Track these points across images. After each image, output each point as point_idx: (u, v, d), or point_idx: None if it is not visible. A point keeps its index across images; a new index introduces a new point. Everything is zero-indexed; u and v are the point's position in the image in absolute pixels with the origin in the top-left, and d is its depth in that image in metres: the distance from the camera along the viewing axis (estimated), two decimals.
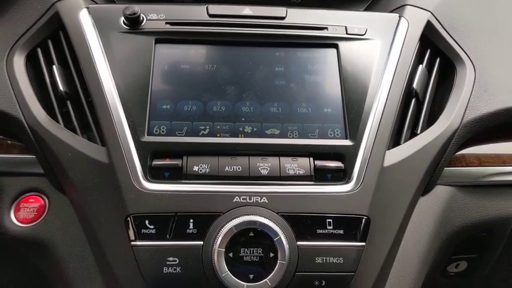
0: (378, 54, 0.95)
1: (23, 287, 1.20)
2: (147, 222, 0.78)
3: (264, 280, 0.75)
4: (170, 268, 0.76)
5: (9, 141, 0.92)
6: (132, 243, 0.78)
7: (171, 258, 0.77)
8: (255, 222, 0.77)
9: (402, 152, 0.87)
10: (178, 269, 0.76)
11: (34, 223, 0.87)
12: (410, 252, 0.89)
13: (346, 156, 0.85)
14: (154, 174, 0.82)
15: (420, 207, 0.91)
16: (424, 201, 0.92)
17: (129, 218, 0.78)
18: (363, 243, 0.80)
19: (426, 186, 0.92)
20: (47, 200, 0.89)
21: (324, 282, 0.78)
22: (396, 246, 0.87)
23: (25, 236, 0.87)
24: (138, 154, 0.82)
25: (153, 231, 0.78)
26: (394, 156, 0.86)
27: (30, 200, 0.88)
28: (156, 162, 0.82)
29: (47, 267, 0.91)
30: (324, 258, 0.78)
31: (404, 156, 0.87)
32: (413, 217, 0.90)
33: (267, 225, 0.77)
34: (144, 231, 0.78)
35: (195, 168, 0.82)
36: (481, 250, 1.05)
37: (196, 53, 0.94)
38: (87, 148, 0.84)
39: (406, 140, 0.90)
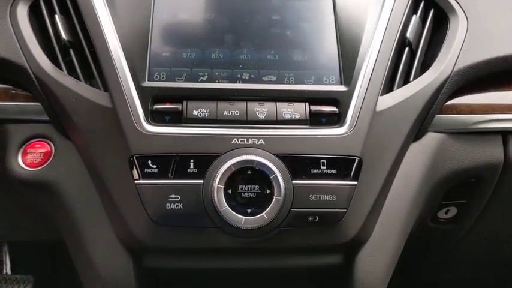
0: (373, 3, 0.97)
1: (30, 232, 1.25)
2: (149, 162, 0.82)
3: (261, 214, 0.80)
4: (173, 204, 0.81)
5: (13, 91, 0.95)
6: (136, 182, 0.82)
7: (173, 196, 0.81)
8: (252, 161, 0.81)
9: (394, 97, 0.91)
10: (180, 206, 0.81)
11: (41, 167, 0.91)
12: (400, 195, 0.94)
13: (341, 101, 0.88)
14: (155, 118, 0.85)
15: (411, 152, 0.95)
16: (415, 146, 0.96)
17: (132, 159, 0.82)
18: (355, 182, 0.84)
19: (418, 132, 0.95)
20: (52, 146, 0.92)
21: (317, 218, 0.83)
22: (387, 187, 0.91)
23: (32, 179, 0.90)
24: (139, 99, 0.85)
25: (156, 170, 0.82)
26: (386, 101, 0.89)
27: (37, 146, 0.92)
28: (157, 107, 0.85)
29: (54, 210, 0.95)
30: (318, 195, 0.83)
31: (396, 102, 0.90)
32: (405, 161, 0.94)
33: (264, 164, 0.80)
34: (147, 170, 0.81)
35: (195, 112, 0.85)
36: (471, 196, 1.09)
37: (195, 2, 0.96)
38: (91, 94, 0.87)
39: (399, 87, 0.93)
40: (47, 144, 0.92)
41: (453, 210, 1.13)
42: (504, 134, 1.02)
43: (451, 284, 1.98)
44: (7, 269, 1.80)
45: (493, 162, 1.02)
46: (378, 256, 0.92)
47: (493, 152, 1.02)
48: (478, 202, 1.11)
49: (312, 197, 0.82)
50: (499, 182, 1.06)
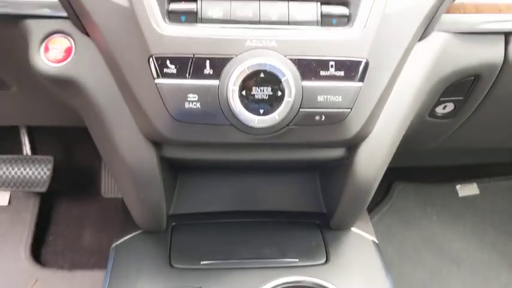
0: None
1: (52, 118, 1.33)
2: (168, 62, 0.86)
3: (272, 114, 0.86)
4: (191, 104, 0.87)
5: None
6: (156, 81, 0.87)
7: (191, 95, 0.87)
8: (265, 64, 0.85)
9: None
10: (198, 105, 0.87)
11: (64, 62, 0.95)
12: (402, 93, 0.99)
13: (351, 2, 0.90)
14: (171, 17, 0.88)
15: (415, 52, 0.98)
16: (420, 46, 0.99)
17: (151, 58, 0.86)
18: (361, 84, 0.90)
19: (424, 32, 0.98)
20: (72, 41, 0.95)
21: (323, 117, 0.90)
22: (390, 87, 0.96)
23: (58, 74, 0.95)
24: None
25: (174, 70, 0.87)
26: (395, 3, 0.91)
27: (57, 41, 0.95)
28: (172, 6, 0.88)
29: (78, 103, 1.02)
30: (325, 96, 0.89)
31: (406, 3, 0.92)
32: (408, 60, 0.98)
33: (276, 67, 0.85)
34: (166, 70, 0.86)
35: (209, 12, 0.88)
36: (468, 93, 1.16)
37: None
38: None
39: None
40: (66, 40, 0.95)
41: (450, 106, 1.20)
42: (507, 34, 1.06)
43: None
44: (27, 150, 1.91)
45: (493, 61, 1.07)
46: (376, 150, 1.01)
47: (494, 52, 1.06)
48: (474, 99, 1.17)
49: (320, 98, 0.88)
50: (496, 80, 1.12)
